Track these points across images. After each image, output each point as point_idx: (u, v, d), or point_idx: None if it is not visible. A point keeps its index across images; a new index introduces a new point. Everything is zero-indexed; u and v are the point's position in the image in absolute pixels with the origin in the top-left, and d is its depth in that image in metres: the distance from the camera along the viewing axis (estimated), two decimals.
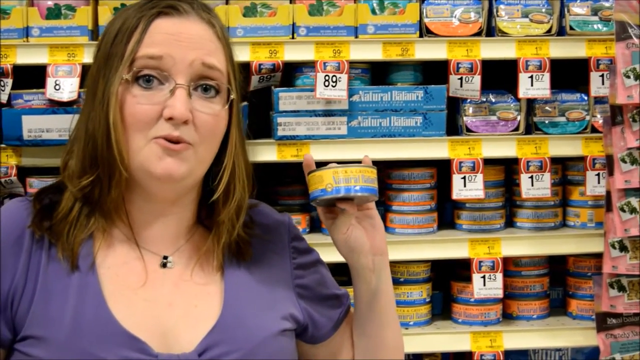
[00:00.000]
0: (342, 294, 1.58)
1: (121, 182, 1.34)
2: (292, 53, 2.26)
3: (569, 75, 2.42)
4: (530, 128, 2.37)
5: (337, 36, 2.27)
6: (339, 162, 1.42)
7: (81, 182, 1.35)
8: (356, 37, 2.29)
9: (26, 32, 2.23)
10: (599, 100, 2.36)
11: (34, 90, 2.24)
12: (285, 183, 2.54)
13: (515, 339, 2.34)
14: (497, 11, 2.34)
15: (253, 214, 1.51)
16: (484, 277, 2.29)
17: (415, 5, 2.31)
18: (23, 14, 2.22)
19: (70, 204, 1.36)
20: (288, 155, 2.27)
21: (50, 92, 2.19)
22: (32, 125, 2.16)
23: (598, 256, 2.35)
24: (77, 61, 2.20)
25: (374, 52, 2.28)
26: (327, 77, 2.23)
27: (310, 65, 2.28)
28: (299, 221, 2.35)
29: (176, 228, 1.42)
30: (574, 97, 2.38)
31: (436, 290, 2.48)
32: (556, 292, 2.54)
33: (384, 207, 2.40)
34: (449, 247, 2.33)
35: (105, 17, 2.20)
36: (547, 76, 2.28)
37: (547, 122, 2.36)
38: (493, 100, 2.37)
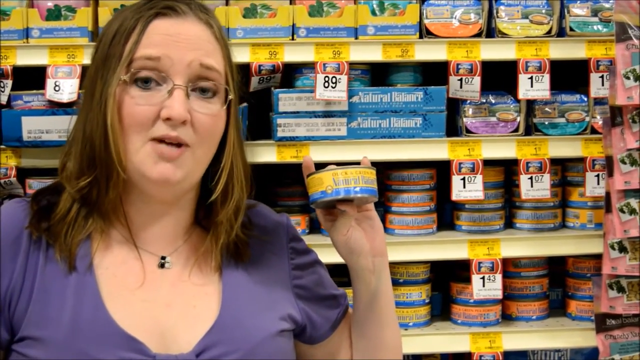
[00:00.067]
0: (340, 295, 1.58)
1: (119, 183, 1.34)
2: (292, 54, 2.26)
3: (569, 77, 2.42)
4: (530, 129, 2.37)
5: (337, 37, 2.27)
6: (339, 164, 1.42)
7: (79, 183, 1.35)
8: (356, 38, 2.29)
9: (26, 33, 2.23)
10: (599, 102, 2.36)
11: (34, 92, 2.24)
12: (284, 184, 2.54)
13: (514, 339, 2.34)
14: (497, 12, 2.34)
15: (251, 214, 1.51)
16: (483, 278, 2.29)
17: (415, 7, 2.31)
18: (23, 15, 2.23)
19: (68, 205, 1.36)
20: (288, 156, 2.27)
21: (50, 93, 2.19)
22: (32, 127, 2.16)
23: (597, 257, 2.35)
24: (77, 62, 2.20)
25: (373, 53, 2.28)
26: (327, 78, 2.23)
27: (310, 66, 2.28)
28: (299, 222, 2.35)
29: (174, 228, 1.42)
30: (574, 98, 2.38)
31: (435, 291, 2.48)
32: (555, 293, 2.53)
33: (384, 208, 2.40)
34: (449, 248, 2.33)
35: (105, 18, 2.20)
36: (546, 77, 2.28)
37: (546, 123, 2.36)
38: (493, 101, 2.37)
